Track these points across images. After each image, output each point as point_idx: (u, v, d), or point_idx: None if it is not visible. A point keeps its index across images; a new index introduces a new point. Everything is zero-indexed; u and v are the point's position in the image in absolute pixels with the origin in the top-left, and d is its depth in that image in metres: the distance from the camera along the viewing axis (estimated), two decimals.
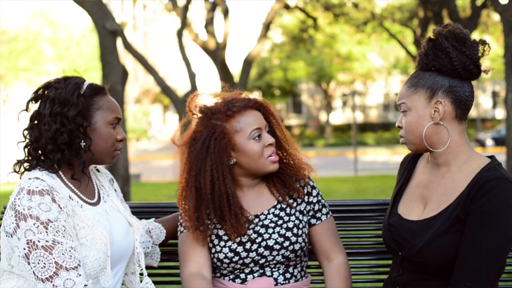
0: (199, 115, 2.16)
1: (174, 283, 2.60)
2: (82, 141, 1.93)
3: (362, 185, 12.67)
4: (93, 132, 1.96)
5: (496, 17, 16.76)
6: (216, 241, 2.12)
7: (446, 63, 1.91)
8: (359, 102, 37.36)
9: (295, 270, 2.14)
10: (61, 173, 1.94)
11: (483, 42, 1.94)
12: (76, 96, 1.93)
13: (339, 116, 37.64)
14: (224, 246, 2.10)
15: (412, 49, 17.42)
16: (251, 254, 2.08)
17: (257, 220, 2.13)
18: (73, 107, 1.91)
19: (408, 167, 2.14)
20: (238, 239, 2.09)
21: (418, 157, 2.14)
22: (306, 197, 2.20)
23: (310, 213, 2.20)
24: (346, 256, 2.22)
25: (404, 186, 2.11)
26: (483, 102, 37.83)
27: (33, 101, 1.98)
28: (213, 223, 2.12)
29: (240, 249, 2.08)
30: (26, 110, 1.98)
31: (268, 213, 2.15)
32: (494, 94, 37.02)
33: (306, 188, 2.21)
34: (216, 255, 2.11)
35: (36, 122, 1.95)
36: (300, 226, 2.14)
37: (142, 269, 2.11)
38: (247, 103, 2.14)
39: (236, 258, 2.08)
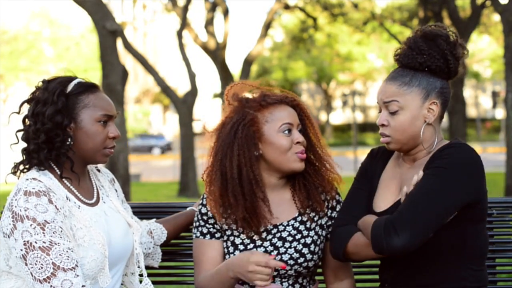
0: (235, 103, 2.11)
1: (174, 283, 2.60)
2: (69, 139, 1.92)
3: None
4: (79, 130, 1.94)
5: (496, 17, 16.76)
6: (231, 249, 2.08)
7: (441, 64, 1.92)
8: (359, 102, 37.35)
9: (304, 280, 2.11)
10: (59, 173, 1.94)
11: (460, 45, 1.97)
12: (56, 95, 1.91)
13: (339, 116, 37.65)
14: None
15: None
16: None
17: (275, 230, 2.08)
18: (52, 106, 1.90)
19: (380, 162, 2.11)
20: (254, 250, 2.04)
21: (390, 153, 2.11)
22: (330, 211, 2.14)
23: (329, 229, 2.13)
24: (354, 280, 2.19)
25: (376, 182, 2.07)
26: (483, 102, 37.82)
27: (27, 103, 1.97)
28: (232, 229, 2.08)
29: None
30: (18, 112, 1.98)
31: (288, 225, 2.08)
32: (494, 94, 37.02)
33: (331, 202, 2.14)
34: None
35: (25, 123, 1.95)
36: (318, 242, 2.09)
37: (141, 270, 2.10)
38: (284, 99, 2.09)
39: None
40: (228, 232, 2.09)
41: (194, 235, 2.16)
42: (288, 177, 2.13)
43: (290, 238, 2.07)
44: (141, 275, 2.11)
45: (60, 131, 1.90)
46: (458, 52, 1.94)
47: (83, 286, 1.78)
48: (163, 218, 2.41)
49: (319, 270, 2.24)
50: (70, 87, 1.95)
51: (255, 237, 2.06)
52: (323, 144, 2.17)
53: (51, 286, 1.75)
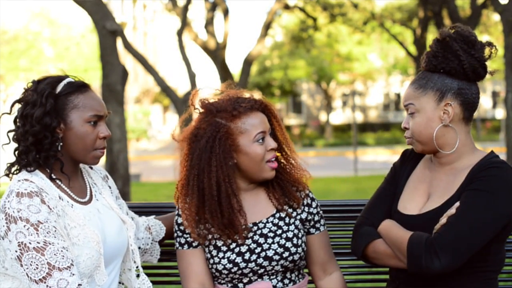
0: (202, 110, 2.12)
1: (174, 283, 2.60)
2: (58, 141, 1.92)
3: (362, 185, 12.66)
4: (69, 131, 1.94)
5: (496, 17, 16.76)
6: (214, 252, 2.08)
7: (455, 66, 1.92)
8: (359, 102, 37.34)
9: (293, 275, 2.12)
10: (52, 174, 1.94)
11: (490, 44, 1.96)
12: (45, 96, 1.91)
13: (339, 116, 37.62)
14: (223, 258, 2.06)
15: (412, 49, 17.41)
16: (250, 265, 2.05)
17: (255, 228, 2.10)
18: (40, 108, 1.90)
19: (411, 163, 2.12)
20: (237, 249, 2.06)
21: (421, 154, 2.12)
22: (307, 208, 2.17)
23: (311, 223, 2.17)
24: (341, 272, 2.21)
25: (404, 182, 2.09)
26: (483, 102, 37.77)
27: (19, 103, 1.97)
28: (212, 233, 2.09)
29: (239, 259, 2.05)
30: (9, 113, 1.98)
31: (267, 222, 2.11)
32: (494, 94, 36.99)
33: (306, 199, 2.18)
34: (215, 266, 2.07)
35: (16, 124, 1.95)
36: (300, 235, 2.11)
37: (138, 266, 2.09)
38: (253, 104, 2.09)
39: (235, 268, 2.05)
40: (209, 236, 2.09)
41: (175, 247, 2.16)
42: None
43: (271, 234, 2.09)
44: (138, 271, 2.11)
45: (48, 133, 1.89)
46: (477, 52, 1.92)
47: (79, 285, 1.79)
48: (162, 215, 2.41)
49: (306, 270, 2.25)
50: (59, 87, 1.95)
51: (236, 237, 2.06)
52: (290, 143, 2.20)
53: (47, 286, 1.75)
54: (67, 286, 1.76)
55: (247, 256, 2.05)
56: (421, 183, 2.04)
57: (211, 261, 2.08)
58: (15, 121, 1.96)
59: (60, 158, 1.93)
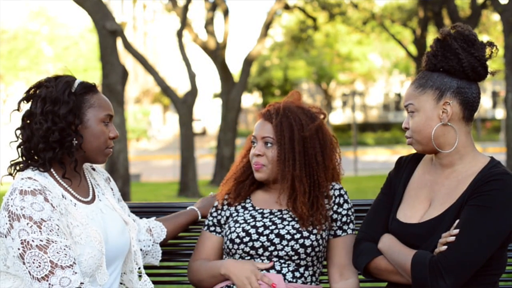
0: None
1: (174, 283, 2.60)
2: (74, 139, 1.93)
3: (362, 185, 12.66)
4: (85, 130, 1.96)
5: (496, 17, 16.76)
6: (232, 224, 2.20)
7: (455, 64, 1.91)
8: (359, 102, 37.35)
9: (306, 272, 2.13)
10: (53, 172, 1.94)
11: (491, 44, 1.95)
12: (67, 94, 1.93)
13: (339, 116, 37.63)
14: (239, 227, 2.16)
15: (412, 49, 17.41)
16: (261, 238, 2.12)
17: (278, 213, 2.18)
18: (64, 105, 1.91)
19: (407, 170, 2.11)
20: (253, 223, 2.15)
21: (417, 160, 2.11)
22: (336, 206, 2.19)
23: (338, 223, 2.18)
24: (358, 279, 2.19)
25: (402, 190, 2.08)
26: (483, 102, 37.74)
27: (25, 101, 1.97)
28: (237, 210, 2.24)
29: (252, 231, 2.14)
30: (18, 110, 1.98)
31: (289, 211, 2.18)
32: (494, 94, 37.00)
33: (338, 198, 2.21)
34: (229, 236, 2.17)
35: (28, 121, 1.94)
36: (318, 227, 2.14)
37: (140, 268, 2.10)
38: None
39: (247, 239, 2.12)
40: (234, 214, 2.23)
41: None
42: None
43: (289, 219, 2.16)
44: (140, 273, 2.11)
45: (71, 130, 1.92)
46: (477, 51, 1.91)
47: (81, 283, 1.79)
48: (163, 216, 2.41)
49: (324, 275, 2.25)
50: (74, 86, 1.97)
51: (257, 215, 2.19)
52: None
53: (49, 284, 1.75)
54: (70, 284, 1.76)
55: (260, 230, 2.14)
56: (421, 189, 2.02)
57: (227, 232, 2.20)
58: (23, 118, 1.96)
59: (75, 156, 1.94)
